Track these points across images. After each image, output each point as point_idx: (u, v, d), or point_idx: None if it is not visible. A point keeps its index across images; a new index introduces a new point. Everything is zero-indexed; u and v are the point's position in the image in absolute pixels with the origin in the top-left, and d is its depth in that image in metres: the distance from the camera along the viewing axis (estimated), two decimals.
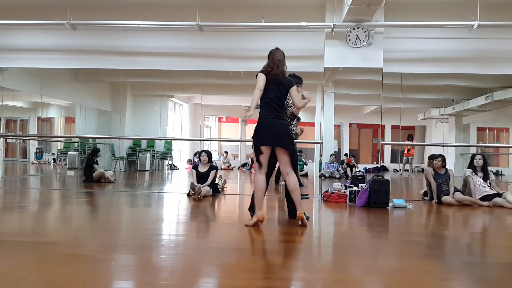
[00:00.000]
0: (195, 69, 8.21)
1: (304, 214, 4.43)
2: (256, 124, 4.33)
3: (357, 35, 6.99)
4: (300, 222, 4.37)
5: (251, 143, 4.42)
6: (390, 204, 5.99)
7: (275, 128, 4.28)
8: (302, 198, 6.77)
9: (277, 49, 4.40)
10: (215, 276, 2.77)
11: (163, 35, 7.89)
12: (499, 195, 6.38)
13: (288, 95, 4.42)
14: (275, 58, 4.31)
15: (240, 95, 11.49)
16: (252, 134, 4.35)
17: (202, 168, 7.03)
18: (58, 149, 13.83)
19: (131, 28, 7.56)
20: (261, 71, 4.31)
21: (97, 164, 9.28)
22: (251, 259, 3.13)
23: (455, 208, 6.17)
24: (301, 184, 9.09)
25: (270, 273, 2.71)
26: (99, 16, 7.57)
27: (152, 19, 7.42)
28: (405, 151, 14.12)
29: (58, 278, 2.53)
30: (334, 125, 12.38)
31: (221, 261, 3.08)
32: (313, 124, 13.89)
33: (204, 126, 15.69)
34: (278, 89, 4.30)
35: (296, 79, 4.82)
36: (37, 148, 13.90)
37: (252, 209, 4.55)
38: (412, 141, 13.73)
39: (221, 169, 13.78)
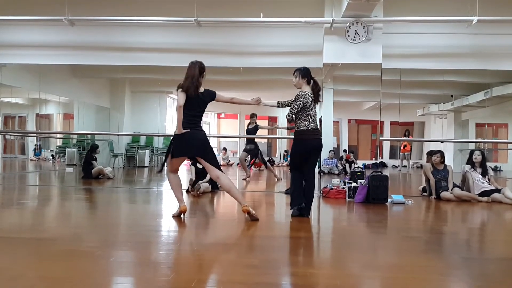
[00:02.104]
0: None
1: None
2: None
3: (356, 31, 6.97)
4: (248, 216, 4.36)
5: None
6: (389, 200, 6.00)
7: (193, 140, 4.45)
8: None
9: (192, 63, 4.52)
10: (214, 272, 2.77)
11: (162, 30, 7.87)
12: (497, 190, 6.39)
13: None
14: (192, 74, 4.42)
15: (239, 91, 11.44)
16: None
17: (201, 165, 7.02)
18: (57, 146, 13.80)
19: (130, 24, 7.53)
20: (181, 88, 4.40)
21: (96, 160, 9.27)
22: (250, 255, 3.14)
23: (453, 204, 6.18)
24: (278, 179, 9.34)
25: (269, 269, 2.71)
26: (97, 12, 7.54)
27: (151, 14, 7.39)
28: (401, 147, 14.13)
29: (57, 274, 2.53)
30: (333, 121, 12.37)
31: (220, 257, 3.09)
32: None
33: (203, 123, 15.67)
34: (196, 102, 4.45)
35: (299, 71, 4.80)
36: (35, 145, 13.88)
37: None
38: (408, 137, 13.75)
39: (220, 165, 13.78)
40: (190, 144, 4.43)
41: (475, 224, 5.15)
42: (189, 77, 4.40)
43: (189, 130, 4.38)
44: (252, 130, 9.23)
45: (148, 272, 2.61)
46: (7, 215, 4.78)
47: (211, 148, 4.66)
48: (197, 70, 4.44)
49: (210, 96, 4.63)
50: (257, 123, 9.37)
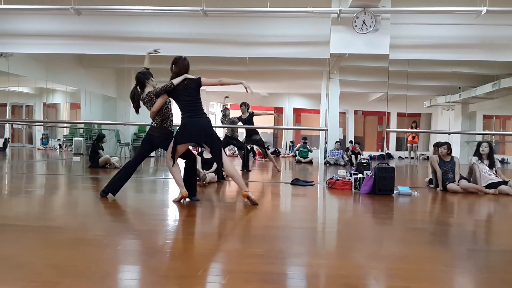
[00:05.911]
0: (200, 55, 8.12)
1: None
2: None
3: (363, 21, 6.90)
4: (248, 200, 4.69)
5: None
6: (395, 191, 5.99)
7: (197, 127, 4.84)
8: (306, 185, 6.81)
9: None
10: (221, 261, 2.79)
11: (168, 20, 7.83)
12: (504, 183, 6.36)
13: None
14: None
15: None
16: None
17: (207, 155, 7.04)
18: (64, 135, 13.88)
19: (136, 14, 7.51)
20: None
21: (103, 150, 9.32)
22: (257, 245, 3.15)
23: (460, 196, 6.16)
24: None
25: (275, 259, 2.73)
26: (104, 1, 7.50)
27: (157, 4, 7.34)
28: (410, 139, 14.07)
29: (64, 262, 2.56)
30: (340, 112, 12.34)
31: (227, 246, 3.11)
32: (318, 111, 13.85)
33: (209, 113, 15.65)
34: (185, 93, 4.98)
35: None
36: (43, 134, 13.98)
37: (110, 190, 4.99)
38: (415, 128, 13.69)
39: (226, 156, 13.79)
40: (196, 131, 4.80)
41: (482, 216, 5.13)
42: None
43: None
44: (250, 118, 9.05)
45: (155, 261, 2.63)
46: (15, 203, 4.83)
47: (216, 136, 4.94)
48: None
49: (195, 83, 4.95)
50: (252, 111, 9.19)
